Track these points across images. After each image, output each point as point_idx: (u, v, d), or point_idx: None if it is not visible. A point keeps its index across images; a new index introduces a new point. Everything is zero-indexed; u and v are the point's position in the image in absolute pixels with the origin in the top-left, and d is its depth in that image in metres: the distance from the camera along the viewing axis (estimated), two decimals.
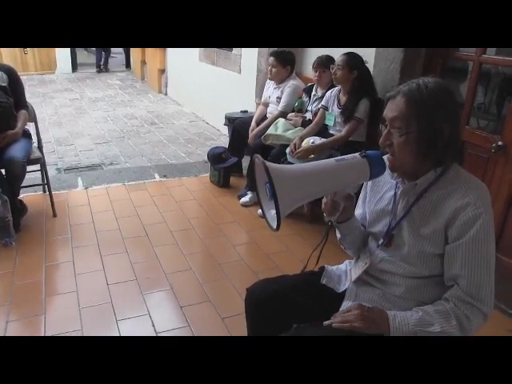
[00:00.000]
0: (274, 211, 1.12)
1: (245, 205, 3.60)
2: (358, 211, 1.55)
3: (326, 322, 1.28)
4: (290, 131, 3.40)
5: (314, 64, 3.42)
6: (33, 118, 3.29)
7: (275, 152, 3.36)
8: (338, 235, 1.51)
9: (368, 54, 3.04)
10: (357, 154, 1.25)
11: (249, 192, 3.63)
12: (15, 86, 3.11)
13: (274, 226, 1.14)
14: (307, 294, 1.47)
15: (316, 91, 3.52)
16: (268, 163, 1.11)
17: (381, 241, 1.39)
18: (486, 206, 1.20)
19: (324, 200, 1.37)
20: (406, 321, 1.21)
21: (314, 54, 3.66)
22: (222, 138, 5.51)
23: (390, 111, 1.26)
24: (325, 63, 3.33)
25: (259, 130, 3.69)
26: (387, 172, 1.34)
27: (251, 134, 3.76)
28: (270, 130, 3.47)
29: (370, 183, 1.48)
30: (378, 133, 3.26)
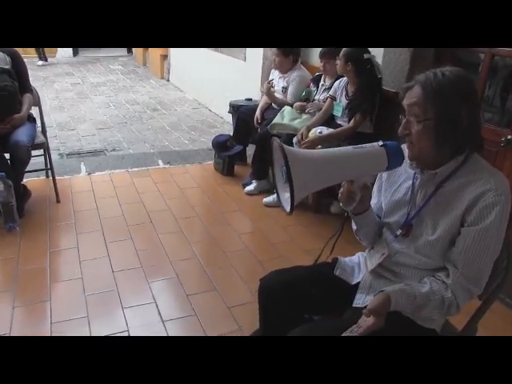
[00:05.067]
0: (288, 194, 1.11)
1: (249, 193, 3.58)
2: (372, 201, 1.53)
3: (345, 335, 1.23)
4: (297, 120, 3.37)
5: (319, 54, 3.40)
6: (37, 101, 3.25)
7: (282, 141, 3.33)
8: (354, 227, 1.50)
9: None
10: (375, 143, 1.24)
11: (254, 181, 3.61)
12: (19, 68, 3.06)
13: (288, 209, 1.14)
14: (320, 286, 1.46)
15: (324, 81, 3.49)
16: (286, 146, 1.11)
17: (398, 231, 1.37)
18: (506, 194, 1.20)
19: (341, 190, 1.36)
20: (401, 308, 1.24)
21: None
22: (226, 125, 5.47)
23: (407, 99, 1.26)
24: (328, 54, 3.30)
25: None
26: (405, 162, 1.33)
27: (257, 112, 3.79)
28: (277, 119, 3.44)
29: (385, 173, 1.46)
30: (385, 124, 3.24)
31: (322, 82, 3.50)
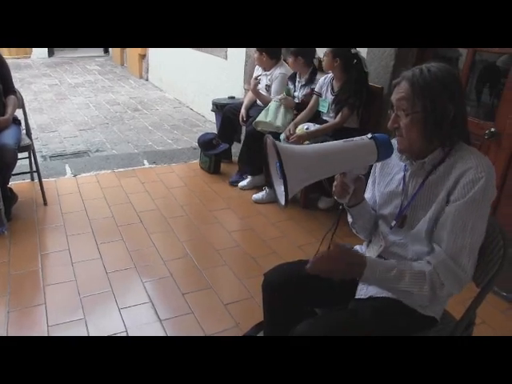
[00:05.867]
0: (282, 188, 1.15)
1: (243, 188, 3.64)
2: (367, 195, 1.57)
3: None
4: (280, 119, 3.37)
5: None
6: (21, 103, 3.20)
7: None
8: (350, 219, 1.53)
9: None
10: (364, 136, 1.29)
11: (249, 176, 3.65)
12: (1, 70, 3.01)
13: (283, 203, 1.18)
14: (323, 279, 1.48)
15: (300, 78, 3.52)
16: (278, 143, 1.14)
17: (393, 222, 1.41)
18: (489, 172, 1.22)
19: (334, 183, 1.39)
20: (378, 277, 1.27)
21: None
22: (208, 124, 5.47)
23: (395, 94, 1.30)
24: (292, 51, 3.37)
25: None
26: (396, 155, 1.38)
27: (242, 110, 3.82)
28: (261, 117, 3.44)
29: (378, 166, 1.51)
30: (370, 119, 3.28)
31: (298, 79, 3.54)
